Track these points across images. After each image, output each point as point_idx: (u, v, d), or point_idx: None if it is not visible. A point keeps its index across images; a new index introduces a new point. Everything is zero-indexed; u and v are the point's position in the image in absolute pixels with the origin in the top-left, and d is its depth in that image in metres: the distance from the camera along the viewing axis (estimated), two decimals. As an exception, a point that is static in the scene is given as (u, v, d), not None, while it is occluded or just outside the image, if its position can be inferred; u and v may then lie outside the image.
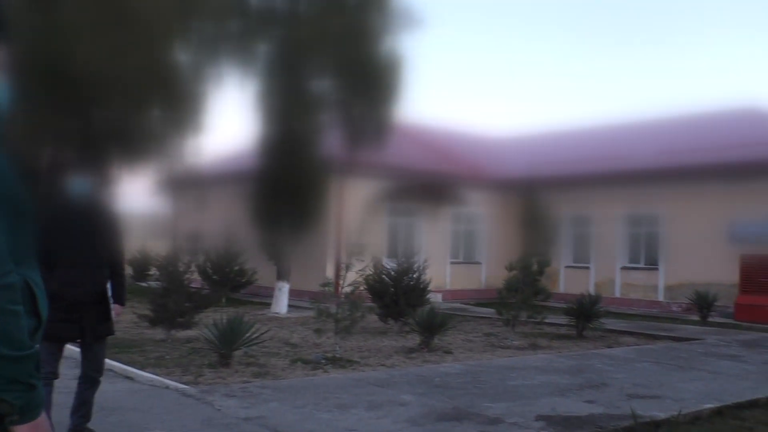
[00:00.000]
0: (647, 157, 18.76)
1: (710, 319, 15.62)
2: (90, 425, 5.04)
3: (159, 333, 10.37)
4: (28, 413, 1.42)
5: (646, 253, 19.04)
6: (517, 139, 23.92)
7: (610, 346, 11.44)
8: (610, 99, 64.07)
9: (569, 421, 6.02)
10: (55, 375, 4.73)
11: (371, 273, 12.62)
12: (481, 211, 20.55)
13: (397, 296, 12.64)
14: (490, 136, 24.40)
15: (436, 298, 16.35)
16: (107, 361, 5.73)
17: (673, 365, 9.33)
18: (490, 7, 67.80)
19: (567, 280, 20.27)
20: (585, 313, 12.64)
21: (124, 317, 10.66)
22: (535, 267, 14.09)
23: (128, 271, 18.64)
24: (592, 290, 16.77)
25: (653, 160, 18.47)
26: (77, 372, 5.09)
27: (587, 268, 20.08)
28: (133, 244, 18.85)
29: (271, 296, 15.53)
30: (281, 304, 15.10)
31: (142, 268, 20.41)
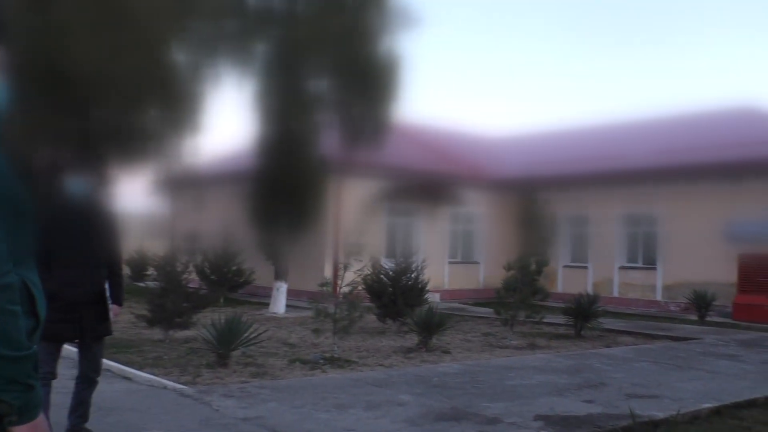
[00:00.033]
0: (645, 156, 18.75)
1: (708, 319, 15.63)
2: (88, 425, 5.04)
3: (157, 333, 10.36)
4: (26, 413, 1.41)
5: (644, 253, 19.04)
6: (515, 138, 23.87)
7: (608, 346, 11.44)
8: (609, 99, 64.08)
9: (567, 421, 6.02)
10: (53, 375, 4.73)
11: (369, 273, 12.62)
12: (480, 211, 20.54)
13: (396, 296, 12.64)
14: (488, 136, 24.34)
15: (434, 297, 16.33)
16: (105, 361, 5.73)
17: (671, 365, 9.33)
18: (490, 7, 67.84)
19: (565, 280, 20.28)
20: (583, 313, 12.65)
21: (122, 317, 10.64)
22: (533, 267, 14.12)
23: (126, 271, 18.66)
24: (590, 290, 16.78)
25: (651, 160, 18.46)
26: (75, 372, 5.09)
27: (585, 267, 20.09)
28: (131, 244, 18.81)
29: (269, 296, 15.52)
30: (279, 304, 15.09)
31: (139, 268, 20.36)
